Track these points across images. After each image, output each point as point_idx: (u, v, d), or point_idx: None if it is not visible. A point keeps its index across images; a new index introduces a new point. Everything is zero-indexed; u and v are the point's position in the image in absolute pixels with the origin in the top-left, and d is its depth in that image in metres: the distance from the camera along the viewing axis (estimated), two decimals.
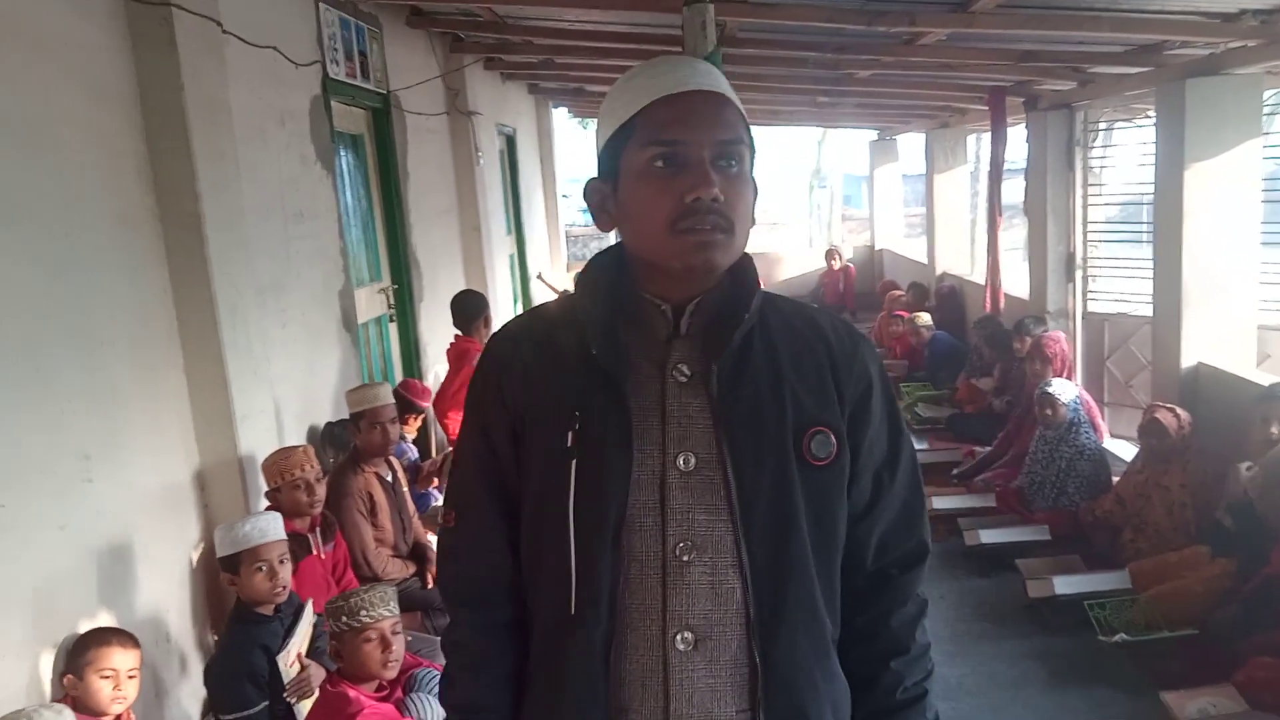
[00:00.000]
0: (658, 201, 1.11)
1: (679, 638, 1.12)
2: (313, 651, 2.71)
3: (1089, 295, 6.31)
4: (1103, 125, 6.18)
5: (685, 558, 1.12)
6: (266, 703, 2.50)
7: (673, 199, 1.10)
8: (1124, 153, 6.12)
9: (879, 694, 1.25)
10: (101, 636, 2.44)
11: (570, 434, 1.13)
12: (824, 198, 25.12)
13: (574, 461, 1.13)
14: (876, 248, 12.45)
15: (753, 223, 1.19)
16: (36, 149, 2.66)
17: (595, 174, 1.20)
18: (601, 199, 1.20)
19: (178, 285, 3.22)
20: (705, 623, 1.13)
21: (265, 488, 3.35)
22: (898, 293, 9.29)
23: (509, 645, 1.22)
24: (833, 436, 1.17)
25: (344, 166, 5.22)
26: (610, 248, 1.24)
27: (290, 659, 2.66)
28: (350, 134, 5.43)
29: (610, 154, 1.16)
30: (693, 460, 1.13)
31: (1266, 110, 4.66)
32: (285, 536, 2.64)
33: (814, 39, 5.18)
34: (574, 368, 1.16)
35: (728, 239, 1.12)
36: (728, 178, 1.12)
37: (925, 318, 7.75)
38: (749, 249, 1.21)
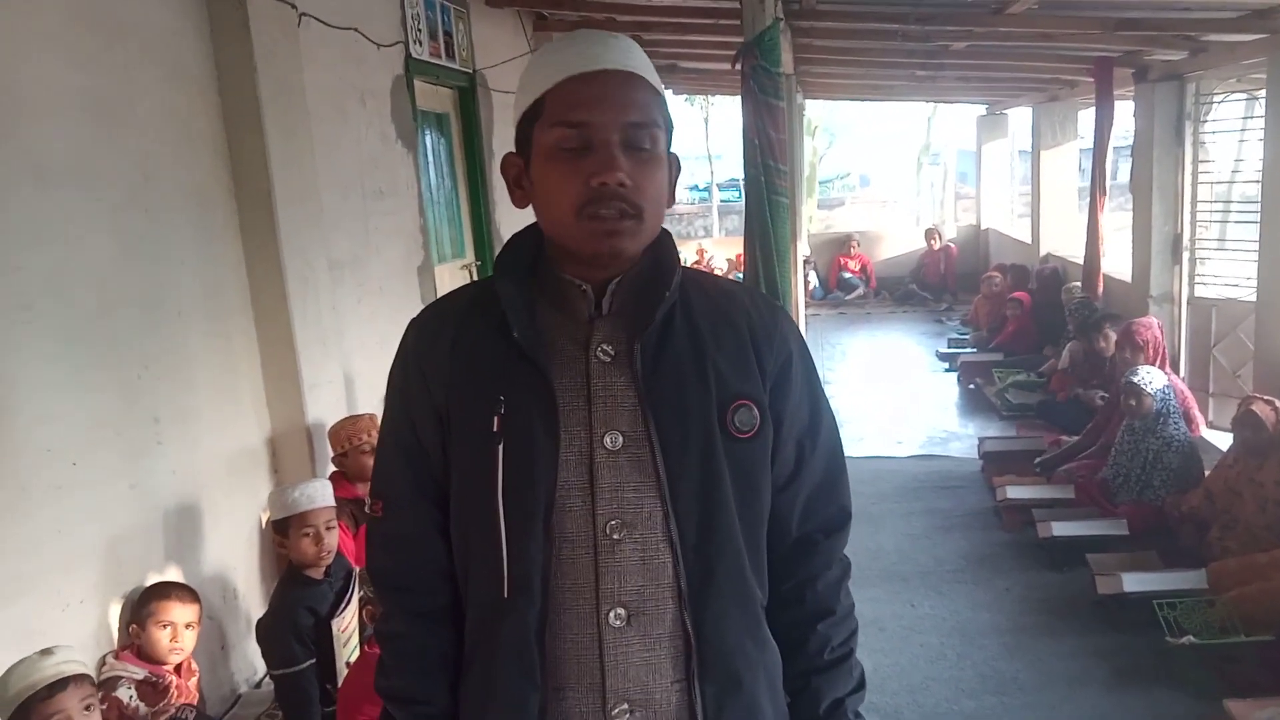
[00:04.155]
0: (563, 185, 1.09)
1: (612, 614, 1.13)
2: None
3: (1196, 279, 5.96)
4: (1217, 98, 5.79)
5: (616, 536, 1.13)
6: (313, 660, 2.62)
7: (578, 183, 1.08)
8: (1233, 126, 5.73)
9: (808, 655, 1.25)
10: (162, 590, 2.60)
11: (496, 418, 1.13)
12: (936, 175, 24.41)
13: (500, 446, 1.13)
14: (983, 227, 12.02)
15: (672, 201, 1.17)
16: (118, 128, 2.82)
17: (513, 149, 1.18)
18: (517, 175, 1.17)
19: (250, 259, 3.37)
20: (638, 598, 1.14)
21: (332, 454, 3.51)
22: (992, 274, 8.95)
23: (444, 632, 1.22)
24: (755, 409, 1.17)
25: (427, 145, 5.35)
26: (528, 227, 1.23)
27: (344, 624, 2.78)
28: (435, 113, 5.55)
29: (523, 130, 1.14)
30: (620, 439, 1.13)
31: None
32: (334, 503, 2.75)
33: (898, 9, 5.02)
34: (496, 351, 1.15)
35: (635, 225, 1.11)
36: (637, 161, 1.10)
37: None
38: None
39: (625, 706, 1.14)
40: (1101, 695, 3.11)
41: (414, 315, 1.27)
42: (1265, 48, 4.57)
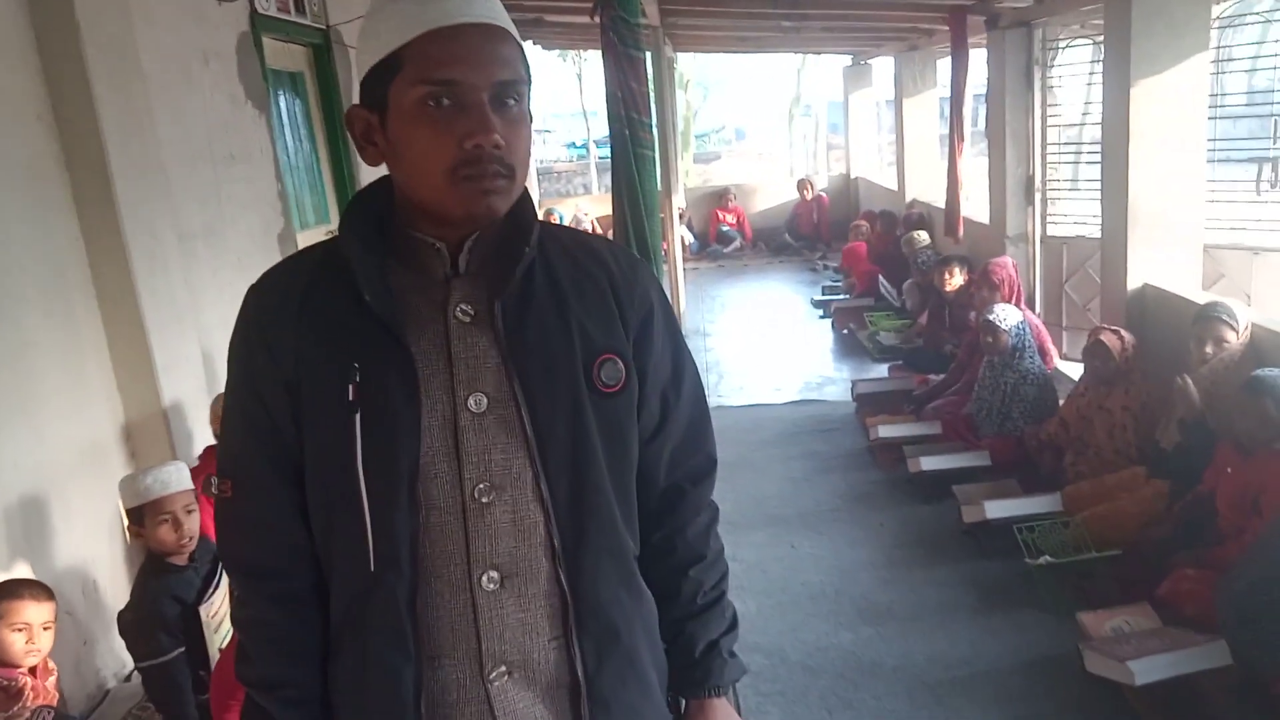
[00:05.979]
0: (433, 146, 1.04)
1: (484, 578, 1.11)
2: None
3: (1049, 219, 6.25)
4: (1062, 44, 6.04)
5: (485, 499, 1.11)
6: (182, 649, 2.51)
7: (450, 144, 1.03)
8: (1079, 71, 6.00)
9: (682, 602, 1.28)
10: (13, 590, 2.43)
11: (350, 387, 1.08)
12: (808, 126, 24.85)
13: (357, 416, 1.08)
14: (852, 176, 12.32)
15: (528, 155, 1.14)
16: None
17: (358, 101, 1.11)
18: (366, 129, 1.10)
19: (89, 234, 3.16)
20: (510, 560, 1.12)
21: (196, 435, 3.35)
22: (859, 222, 9.21)
23: (310, 614, 1.17)
24: (621, 363, 1.17)
25: (281, 106, 5.11)
26: (375, 183, 1.17)
27: (214, 609, 2.67)
28: (289, 72, 5.30)
29: (376, 83, 1.07)
30: (484, 400, 1.11)
31: (1216, 24, 4.54)
32: (192, 486, 2.62)
33: None
34: (347, 317, 1.10)
35: (509, 184, 1.08)
36: (507, 119, 1.06)
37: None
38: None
39: (503, 669, 1.13)
40: (970, 619, 3.28)
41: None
42: None
